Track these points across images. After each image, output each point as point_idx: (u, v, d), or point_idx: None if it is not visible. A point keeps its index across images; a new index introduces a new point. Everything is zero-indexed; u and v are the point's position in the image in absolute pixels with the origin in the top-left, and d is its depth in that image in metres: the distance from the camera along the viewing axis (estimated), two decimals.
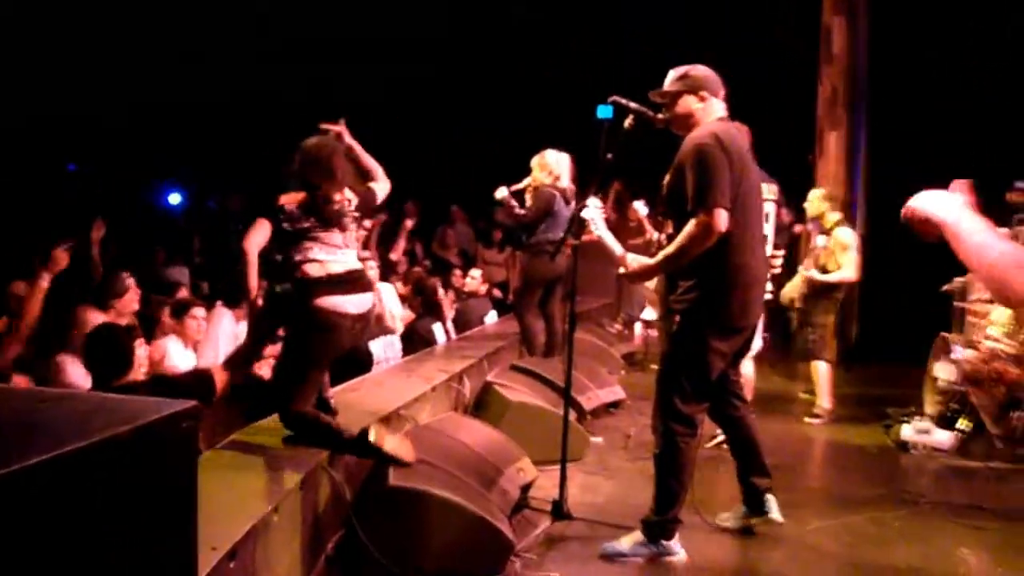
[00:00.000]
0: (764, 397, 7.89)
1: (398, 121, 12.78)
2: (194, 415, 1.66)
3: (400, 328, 8.01)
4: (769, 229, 5.43)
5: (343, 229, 3.83)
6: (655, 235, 5.90)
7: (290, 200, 3.79)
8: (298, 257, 3.76)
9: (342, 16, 12.26)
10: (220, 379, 4.12)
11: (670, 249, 3.93)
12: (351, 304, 3.78)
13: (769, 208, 5.45)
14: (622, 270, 4.17)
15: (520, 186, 6.95)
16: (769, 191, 5.39)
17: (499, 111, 13.28)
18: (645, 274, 4.19)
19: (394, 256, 9.55)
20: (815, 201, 7.23)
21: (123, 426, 1.59)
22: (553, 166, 6.91)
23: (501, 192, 7.00)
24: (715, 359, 4.01)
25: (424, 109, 13.68)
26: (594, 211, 4.31)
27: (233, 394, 4.32)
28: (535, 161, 6.99)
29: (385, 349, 6.34)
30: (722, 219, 3.81)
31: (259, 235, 4.88)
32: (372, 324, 4.30)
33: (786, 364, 8.84)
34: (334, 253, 3.80)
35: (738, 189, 3.86)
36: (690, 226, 3.84)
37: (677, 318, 4.02)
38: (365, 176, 4.16)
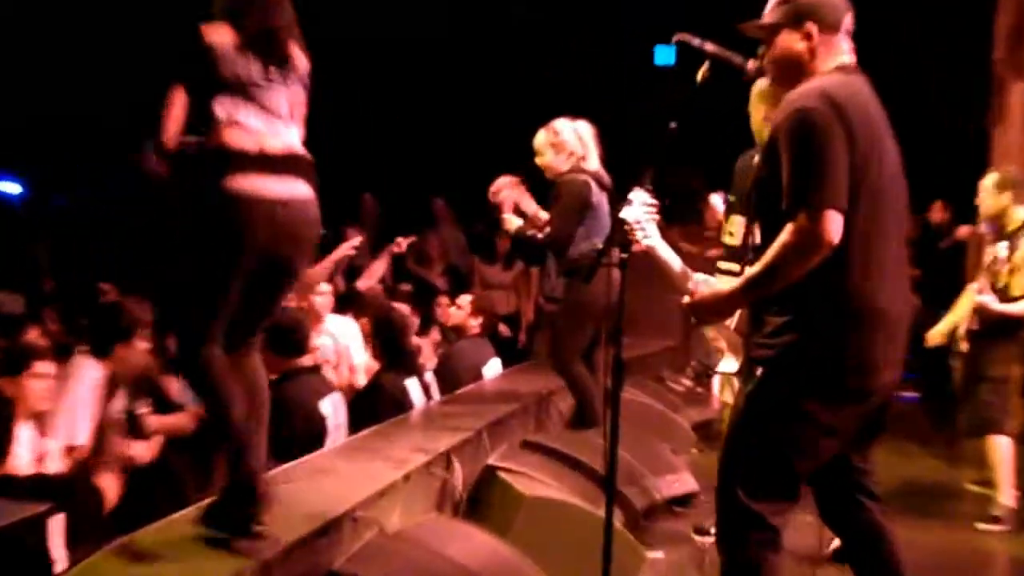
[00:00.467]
0: (910, 490, 7.80)
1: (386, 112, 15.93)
2: (39, 526, 1.66)
3: (361, 381, 8.04)
4: None
5: None
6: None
7: None
8: None
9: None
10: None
11: (756, 269, 3.84)
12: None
13: None
14: (686, 299, 4.14)
15: (538, 214, 7.06)
16: None
17: (496, 109, 15.31)
18: (721, 306, 4.07)
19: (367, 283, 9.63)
20: (991, 191, 7.25)
21: None
22: (571, 142, 6.97)
23: (512, 223, 7.07)
24: (817, 436, 3.91)
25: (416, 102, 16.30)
26: (640, 209, 4.32)
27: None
28: (541, 140, 7.04)
29: (336, 411, 6.37)
30: (834, 225, 3.70)
31: None
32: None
33: (944, 438, 8.83)
34: None
35: (864, 178, 3.79)
36: (785, 234, 3.72)
37: (759, 370, 3.95)
38: None
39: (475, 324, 9.02)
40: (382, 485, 5.00)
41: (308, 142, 4.30)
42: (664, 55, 4.47)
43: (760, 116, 6.11)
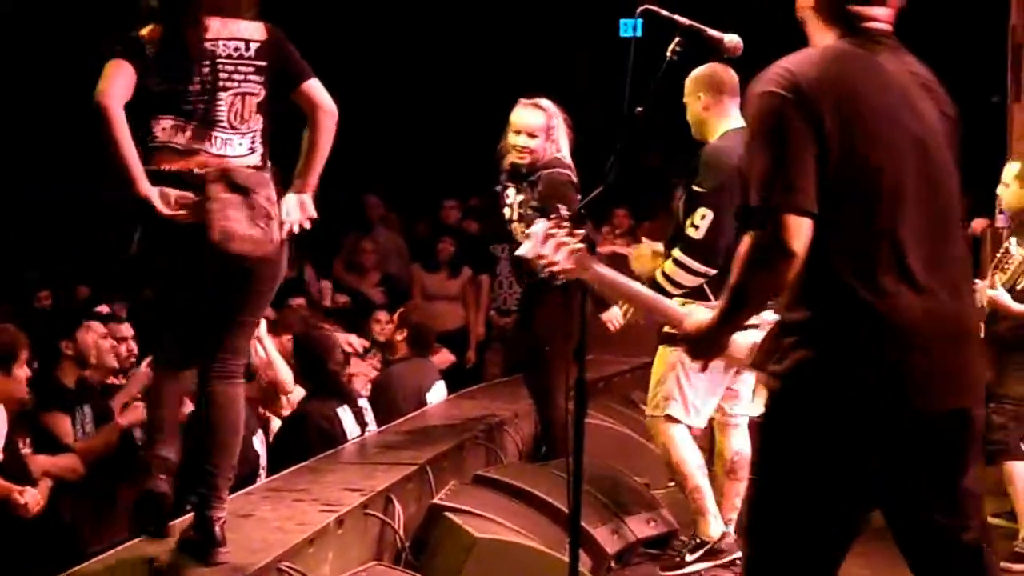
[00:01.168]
0: None
1: None
2: None
3: (272, 418, 8.06)
4: None
5: None
6: None
7: None
8: None
9: None
10: None
11: (724, 294, 3.70)
12: None
13: None
14: (679, 341, 3.91)
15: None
16: None
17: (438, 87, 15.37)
18: (712, 339, 3.79)
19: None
20: (1014, 182, 7.31)
21: None
22: (558, 128, 7.13)
23: (528, 251, 7.10)
24: (833, 485, 3.61)
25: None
26: (542, 242, 4.06)
27: None
28: (538, 122, 7.09)
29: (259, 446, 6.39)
30: (796, 231, 3.47)
31: None
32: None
33: None
34: None
35: (854, 171, 3.62)
36: (742, 246, 3.59)
37: (769, 392, 3.80)
38: None
39: (400, 339, 8.94)
40: (311, 531, 5.03)
41: None
42: (630, 28, 4.56)
43: (700, 106, 6.29)
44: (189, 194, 4.52)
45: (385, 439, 7.19)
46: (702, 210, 6.23)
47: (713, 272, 6.26)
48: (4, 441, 6.44)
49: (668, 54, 4.33)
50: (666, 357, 6.50)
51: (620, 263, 11.22)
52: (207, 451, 4.75)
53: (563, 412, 7.03)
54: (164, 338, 4.97)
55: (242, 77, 4.70)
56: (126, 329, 8.34)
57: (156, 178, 4.54)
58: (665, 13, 4.32)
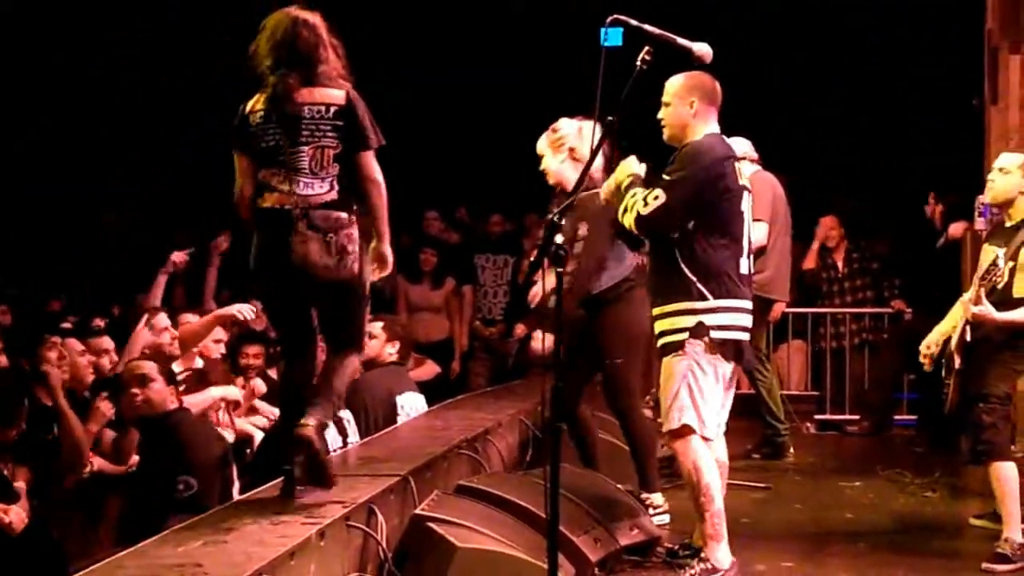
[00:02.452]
0: (907, 525, 7.95)
1: None
2: None
3: (255, 433, 8.07)
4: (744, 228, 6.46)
5: None
6: None
7: None
8: None
9: None
10: None
11: None
12: None
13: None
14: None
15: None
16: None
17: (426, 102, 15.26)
18: None
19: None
20: (1010, 172, 7.29)
21: None
22: (580, 149, 7.26)
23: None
24: None
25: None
26: None
27: None
28: (565, 131, 7.20)
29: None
30: None
31: None
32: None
33: (944, 466, 8.94)
34: None
35: None
36: None
37: None
38: None
39: (392, 354, 9.02)
40: (292, 543, 5.01)
41: None
42: (610, 37, 4.60)
43: (689, 111, 6.32)
44: None
45: (367, 451, 7.18)
46: (657, 191, 6.25)
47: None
48: None
49: (638, 63, 4.36)
50: (673, 369, 6.45)
51: None
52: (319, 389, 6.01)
53: (645, 422, 7.19)
54: (279, 334, 6.52)
55: (321, 134, 5.79)
56: (107, 342, 8.36)
57: (258, 213, 5.86)
58: (634, 22, 4.37)
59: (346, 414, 7.72)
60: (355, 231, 5.87)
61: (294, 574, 4.93)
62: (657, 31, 4.29)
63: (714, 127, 6.45)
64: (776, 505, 8.66)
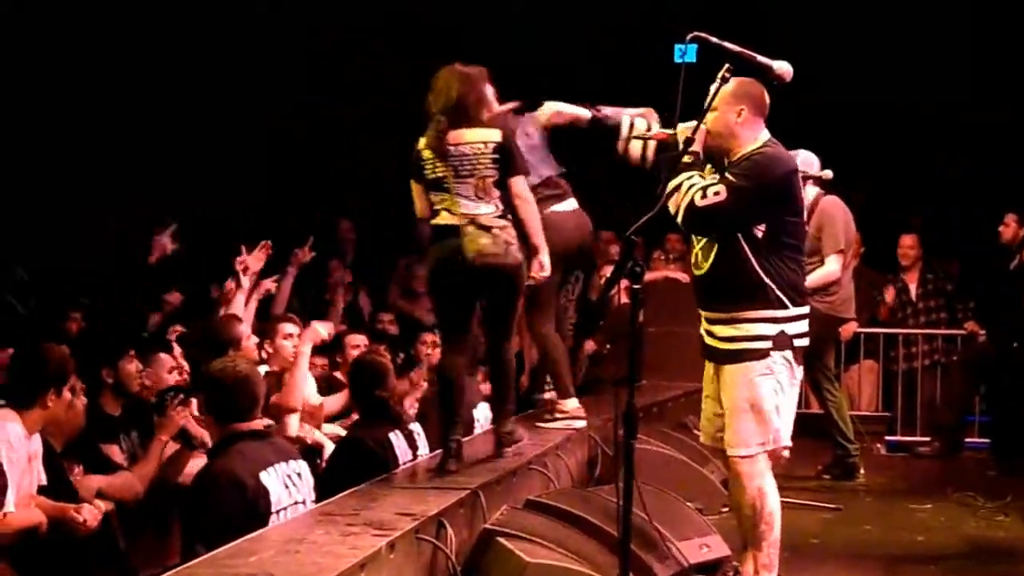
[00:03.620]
0: (978, 549, 7.90)
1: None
2: None
3: (325, 443, 8.07)
4: None
5: None
6: None
7: None
8: None
9: None
10: None
11: None
12: None
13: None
14: None
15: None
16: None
17: None
18: None
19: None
20: None
21: None
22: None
23: None
24: None
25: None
26: None
27: None
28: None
29: (285, 480, 6.18)
30: None
31: None
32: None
33: (1016, 489, 8.88)
34: None
35: None
36: None
37: None
38: None
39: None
40: (363, 555, 5.01)
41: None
42: (684, 53, 4.62)
43: (737, 119, 6.25)
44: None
45: (437, 463, 7.18)
46: (719, 187, 6.21)
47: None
48: (48, 464, 6.47)
49: (718, 80, 4.35)
50: (754, 383, 6.31)
51: (673, 288, 11.30)
52: (499, 390, 7.39)
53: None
54: (444, 332, 7.60)
55: (483, 167, 6.96)
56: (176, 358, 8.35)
57: (435, 229, 7.09)
58: (715, 40, 4.34)
59: (416, 427, 7.71)
60: (514, 233, 7.01)
61: None
62: (737, 48, 4.28)
63: (763, 136, 6.39)
64: (845, 526, 8.61)
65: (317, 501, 6.26)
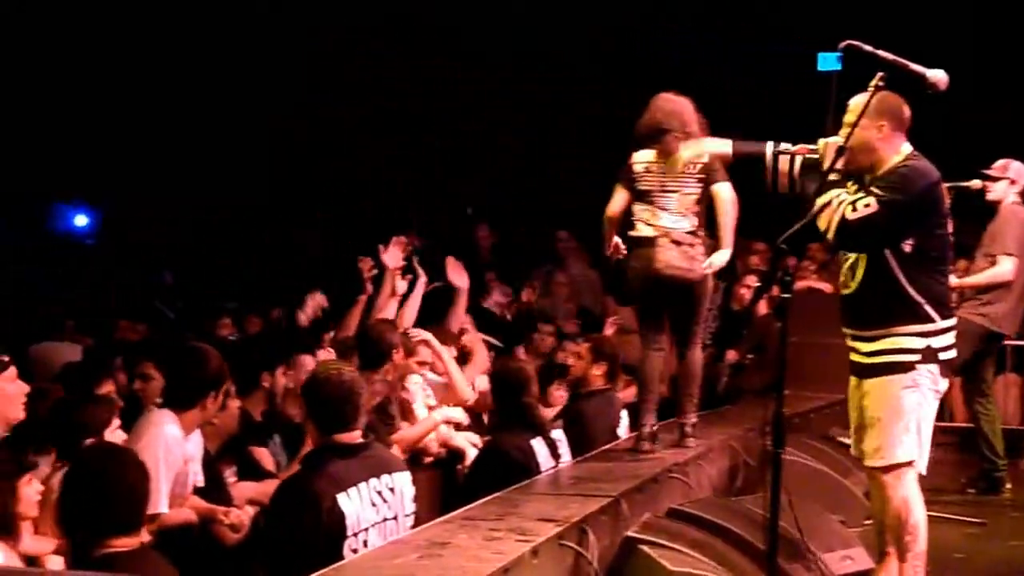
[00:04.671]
0: None
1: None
2: None
3: (468, 449, 8.11)
4: None
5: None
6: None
7: None
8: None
9: None
10: None
11: None
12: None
13: None
14: None
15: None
16: None
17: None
18: None
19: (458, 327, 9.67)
20: None
21: None
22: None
23: None
24: None
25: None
26: None
27: None
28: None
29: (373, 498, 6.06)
30: None
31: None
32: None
33: None
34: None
35: None
36: None
37: None
38: None
39: (599, 375, 9.03)
40: (506, 560, 5.02)
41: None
42: (828, 62, 4.57)
43: (878, 134, 6.14)
44: (619, 242, 7.80)
45: (579, 471, 7.19)
46: (869, 199, 6.15)
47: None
48: (206, 465, 6.56)
49: (871, 88, 4.30)
50: (899, 396, 6.24)
51: (815, 298, 11.18)
52: (685, 387, 7.96)
53: None
54: (643, 331, 8.05)
55: (688, 185, 7.61)
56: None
57: (631, 239, 7.73)
58: (868, 48, 4.29)
59: (559, 434, 7.72)
60: (703, 250, 7.63)
61: None
62: (891, 56, 4.22)
63: (905, 149, 6.31)
64: (990, 541, 8.48)
65: (461, 506, 6.28)
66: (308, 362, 8.05)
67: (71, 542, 4.83)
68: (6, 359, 6.31)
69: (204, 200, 17.13)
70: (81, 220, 19.17)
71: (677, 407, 8.09)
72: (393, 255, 9.19)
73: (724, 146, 6.99)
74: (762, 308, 10.22)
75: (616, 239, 7.80)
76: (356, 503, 5.50)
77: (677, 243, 7.56)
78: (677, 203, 7.64)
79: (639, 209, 7.71)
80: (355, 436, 5.68)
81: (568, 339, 10.33)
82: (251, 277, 16.08)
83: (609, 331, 11.03)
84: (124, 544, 4.57)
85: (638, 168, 7.73)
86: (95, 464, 4.85)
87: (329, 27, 16.92)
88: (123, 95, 16.60)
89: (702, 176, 7.63)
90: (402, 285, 9.42)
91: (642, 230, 7.70)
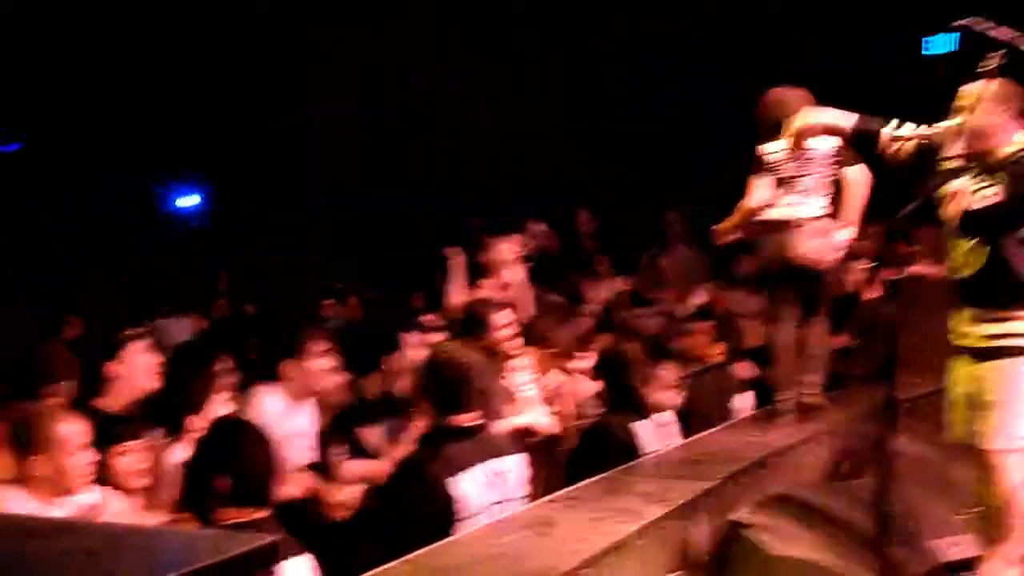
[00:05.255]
0: None
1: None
2: (269, 557, 1.77)
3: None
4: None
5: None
6: None
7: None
8: None
9: None
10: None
11: None
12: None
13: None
14: None
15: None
16: None
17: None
18: None
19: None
20: None
21: None
22: None
23: None
24: None
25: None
26: None
27: None
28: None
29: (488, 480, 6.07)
30: None
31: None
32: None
33: None
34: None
35: None
36: None
37: None
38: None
39: (716, 352, 9.15)
40: (612, 540, 5.05)
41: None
42: (941, 43, 4.53)
43: (999, 119, 6.03)
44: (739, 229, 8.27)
45: (686, 453, 7.20)
46: (996, 188, 6.08)
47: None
48: (319, 442, 6.64)
49: (989, 69, 4.24)
50: (1008, 373, 6.20)
51: (923, 283, 11.04)
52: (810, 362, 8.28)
53: None
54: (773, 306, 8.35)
55: (823, 167, 7.85)
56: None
57: (765, 223, 8.01)
58: (984, 26, 4.23)
59: (668, 416, 7.72)
60: (834, 232, 7.85)
61: (613, 570, 4.97)
62: (1009, 35, 4.15)
63: (1018, 138, 6.23)
64: None
65: (565, 486, 6.31)
66: (415, 341, 8.07)
67: (194, 513, 4.91)
68: (141, 331, 6.50)
69: (312, 182, 17.31)
70: (191, 200, 19.46)
71: (798, 384, 8.24)
72: (508, 247, 9.14)
73: (846, 119, 6.87)
74: (872, 292, 10.12)
75: (736, 228, 8.23)
76: (471, 485, 5.54)
77: (812, 228, 7.86)
78: (812, 187, 7.94)
79: (774, 194, 7.99)
80: (471, 418, 5.72)
81: (681, 320, 10.30)
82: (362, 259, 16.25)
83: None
84: (248, 515, 4.65)
85: (771, 157, 7.97)
86: (226, 436, 4.93)
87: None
88: (237, 75, 16.79)
89: (837, 159, 7.88)
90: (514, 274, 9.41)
91: (777, 214, 8.00)
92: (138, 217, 18.06)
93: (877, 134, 6.49)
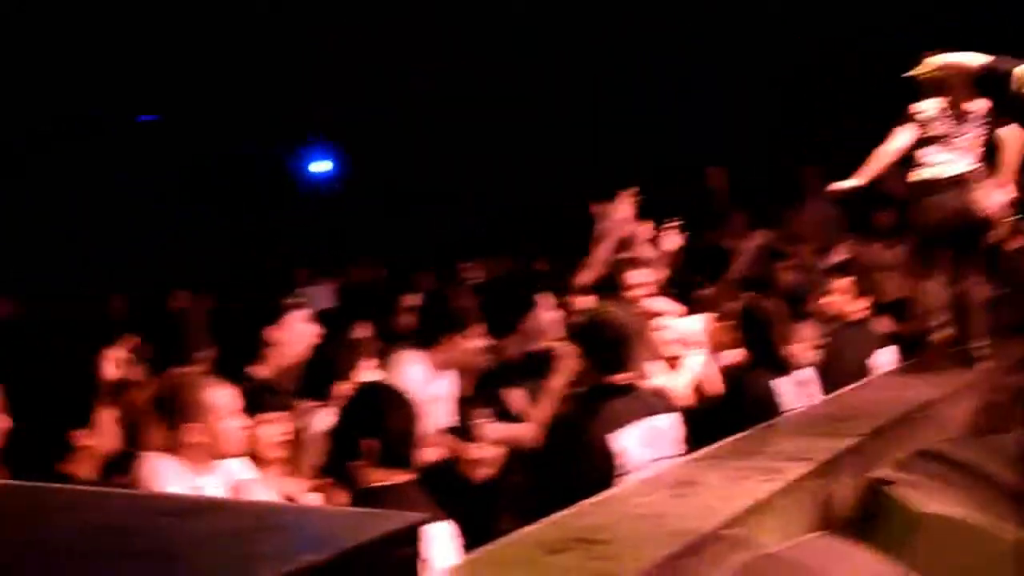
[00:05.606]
0: None
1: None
2: (412, 537, 1.79)
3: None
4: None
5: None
6: None
7: None
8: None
9: None
10: None
11: None
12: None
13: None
14: None
15: None
16: None
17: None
18: None
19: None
20: None
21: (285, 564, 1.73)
22: None
23: None
24: None
25: None
26: None
27: None
28: None
29: (646, 438, 6.10)
30: None
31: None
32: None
33: None
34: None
35: None
36: None
37: None
38: None
39: (858, 307, 9.07)
40: (755, 498, 5.03)
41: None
42: None
43: None
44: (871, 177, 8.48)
45: (828, 409, 7.16)
46: None
47: None
48: (460, 406, 6.69)
49: None
50: None
51: None
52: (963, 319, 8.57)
53: None
54: (926, 268, 8.67)
55: (978, 127, 8.25)
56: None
57: (920, 183, 8.40)
58: None
59: (807, 373, 7.68)
60: (988, 188, 8.25)
61: (756, 528, 4.95)
62: None
63: None
64: None
65: (705, 445, 6.30)
66: (550, 303, 8.11)
67: (337, 478, 4.99)
68: (302, 300, 6.63)
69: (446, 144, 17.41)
70: (325, 166, 19.66)
71: (963, 335, 8.56)
72: (622, 208, 9.09)
73: (977, 59, 6.77)
74: (1014, 242, 9.98)
75: (871, 173, 8.44)
76: (631, 441, 5.63)
77: (968, 186, 8.20)
78: (965, 146, 8.24)
79: (928, 152, 8.32)
80: (629, 377, 5.81)
81: (821, 276, 10.22)
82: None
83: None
84: (392, 478, 4.71)
85: (924, 116, 8.31)
86: (371, 400, 5.00)
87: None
88: (370, 41, 16.93)
89: (989, 120, 8.21)
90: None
91: (933, 173, 8.31)
92: (272, 184, 18.32)
93: (1008, 73, 6.39)
